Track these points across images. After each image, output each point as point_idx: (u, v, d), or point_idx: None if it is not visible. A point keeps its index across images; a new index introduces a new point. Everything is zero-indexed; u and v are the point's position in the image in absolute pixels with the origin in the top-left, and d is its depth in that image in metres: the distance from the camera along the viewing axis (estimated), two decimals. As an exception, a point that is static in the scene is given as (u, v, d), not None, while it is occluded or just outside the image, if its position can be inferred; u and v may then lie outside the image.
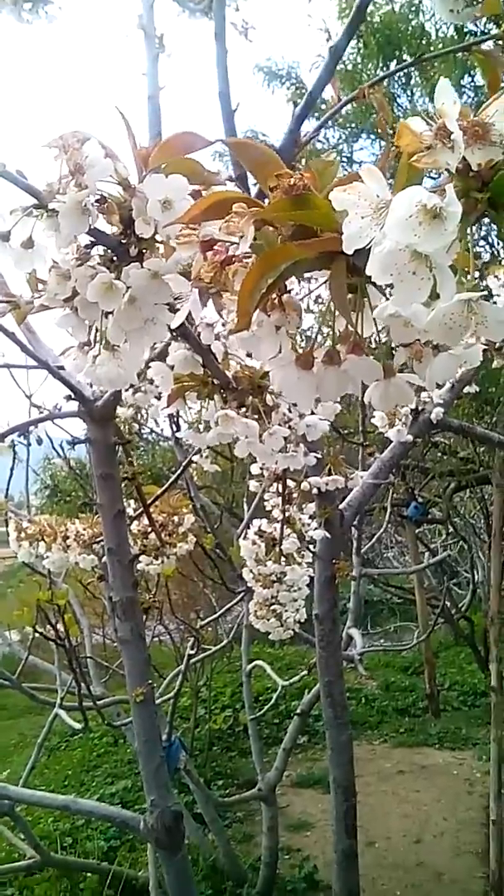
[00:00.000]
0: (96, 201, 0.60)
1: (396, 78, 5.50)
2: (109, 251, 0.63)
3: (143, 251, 0.62)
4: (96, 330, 0.66)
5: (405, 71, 5.10)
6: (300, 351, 0.47)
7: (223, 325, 0.68)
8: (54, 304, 0.65)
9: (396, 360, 0.46)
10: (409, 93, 5.90)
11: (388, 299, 0.41)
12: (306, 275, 0.51)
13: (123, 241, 0.62)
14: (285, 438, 0.94)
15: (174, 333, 0.74)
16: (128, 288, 0.60)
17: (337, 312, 0.46)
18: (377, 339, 0.49)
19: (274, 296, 0.45)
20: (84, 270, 0.61)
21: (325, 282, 0.46)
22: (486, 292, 0.36)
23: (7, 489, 1.96)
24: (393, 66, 5.35)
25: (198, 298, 0.51)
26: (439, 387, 1.83)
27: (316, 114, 2.65)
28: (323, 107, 2.59)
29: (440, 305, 0.36)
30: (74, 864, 2.74)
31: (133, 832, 1.77)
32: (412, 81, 5.66)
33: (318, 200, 0.41)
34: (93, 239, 0.62)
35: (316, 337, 0.48)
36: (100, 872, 2.61)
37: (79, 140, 0.60)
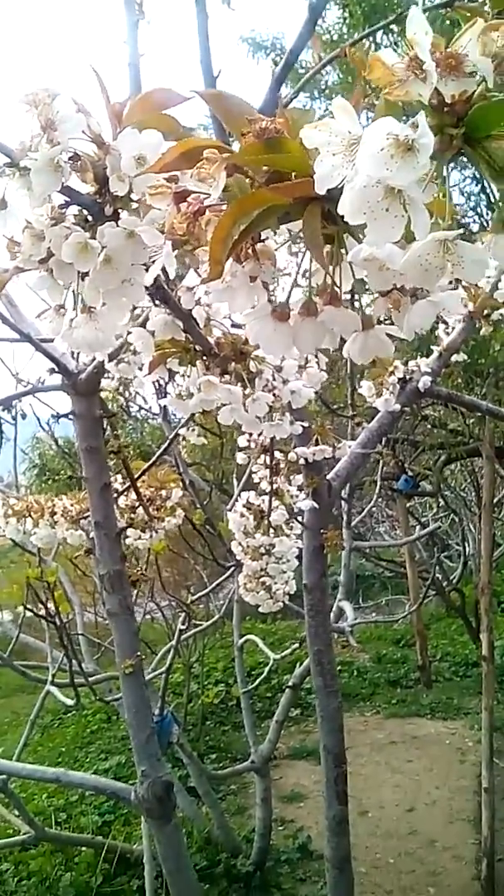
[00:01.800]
0: (69, 158, 0.59)
1: (380, 43, 5.42)
2: (84, 210, 0.61)
3: (119, 210, 0.61)
4: (73, 292, 0.65)
5: (391, 39, 5.03)
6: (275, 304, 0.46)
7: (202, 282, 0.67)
8: (29, 266, 0.64)
9: (374, 311, 0.46)
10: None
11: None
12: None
13: (98, 200, 0.61)
14: (270, 407, 0.93)
15: (155, 299, 0.73)
16: (103, 248, 0.59)
17: (313, 264, 0.45)
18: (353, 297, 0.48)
19: (248, 244, 0.44)
20: (58, 230, 0.59)
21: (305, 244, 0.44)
22: (462, 230, 0.35)
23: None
24: (379, 36, 5.28)
25: (171, 251, 0.50)
26: (427, 356, 1.82)
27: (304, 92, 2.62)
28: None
29: (415, 244, 0.35)
30: (69, 838, 2.76)
31: (124, 803, 1.78)
32: (398, 51, 5.59)
33: (292, 144, 0.39)
34: (67, 198, 0.61)
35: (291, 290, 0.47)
36: (94, 846, 2.63)
37: (50, 95, 0.59)
